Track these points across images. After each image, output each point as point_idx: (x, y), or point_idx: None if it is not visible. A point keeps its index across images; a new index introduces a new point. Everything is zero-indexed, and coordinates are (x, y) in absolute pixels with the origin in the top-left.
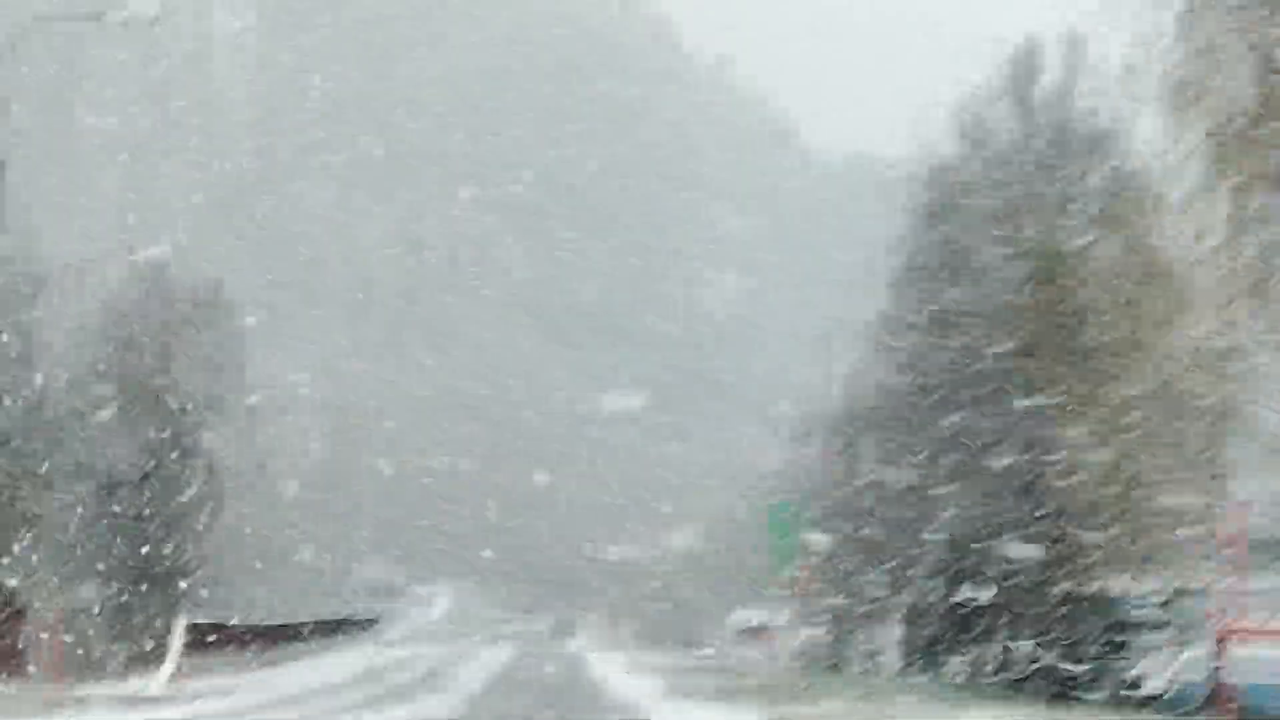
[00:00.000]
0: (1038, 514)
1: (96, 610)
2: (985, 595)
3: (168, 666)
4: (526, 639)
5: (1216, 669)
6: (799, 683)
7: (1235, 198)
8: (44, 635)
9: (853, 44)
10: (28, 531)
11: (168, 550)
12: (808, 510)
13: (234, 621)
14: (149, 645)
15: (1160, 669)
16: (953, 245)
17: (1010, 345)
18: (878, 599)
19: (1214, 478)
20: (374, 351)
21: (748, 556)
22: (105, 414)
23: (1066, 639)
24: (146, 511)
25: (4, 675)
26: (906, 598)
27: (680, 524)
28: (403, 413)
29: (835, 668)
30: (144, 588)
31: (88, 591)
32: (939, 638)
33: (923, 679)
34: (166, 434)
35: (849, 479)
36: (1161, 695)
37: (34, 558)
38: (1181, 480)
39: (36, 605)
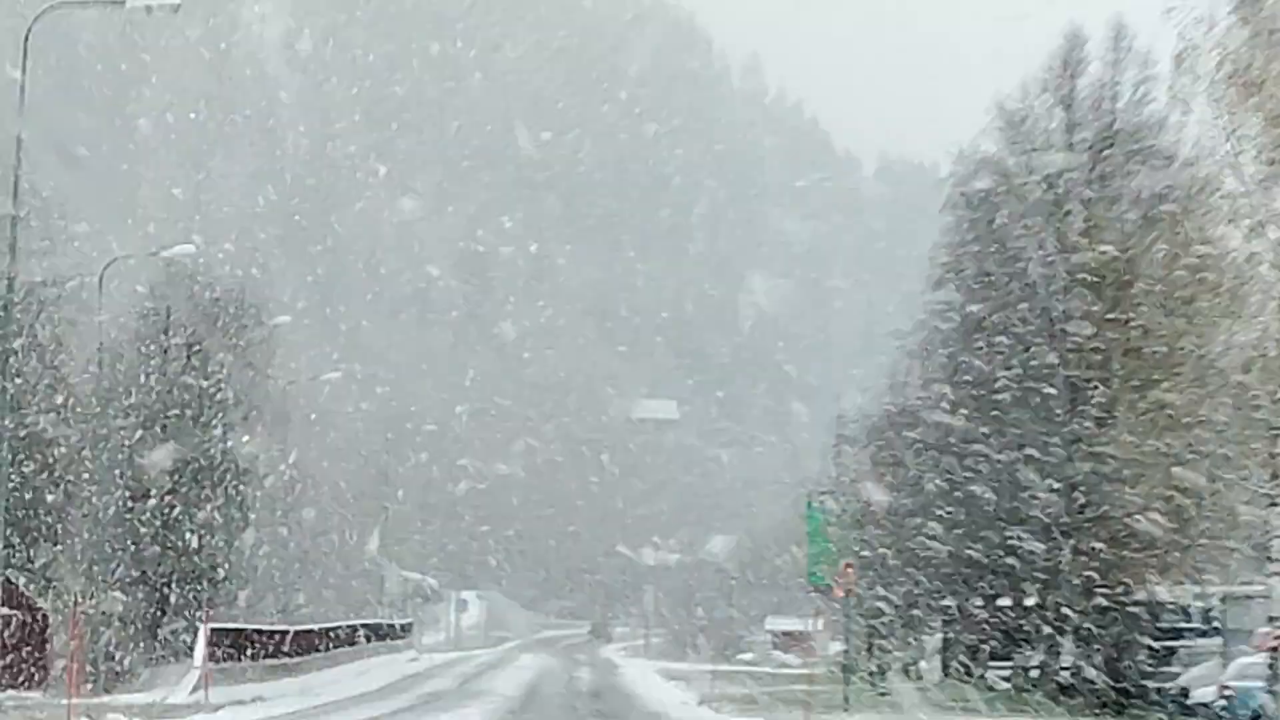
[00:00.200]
0: (1084, 519)
1: (123, 618)
2: (1028, 601)
3: (192, 675)
4: (563, 646)
5: (1272, 679)
6: (837, 691)
7: None
8: (70, 644)
9: (876, 46)
10: (54, 540)
11: (196, 557)
12: (849, 514)
13: (261, 627)
14: (174, 653)
15: (1210, 678)
16: (995, 244)
17: (1057, 346)
18: (918, 604)
19: (1273, 479)
20: (426, 357)
21: (787, 562)
22: (134, 419)
23: (1112, 647)
24: (175, 517)
25: (29, 685)
26: (947, 603)
27: (720, 529)
28: (448, 418)
29: (874, 675)
30: (171, 596)
31: (114, 599)
32: (980, 645)
33: (963, 688)
34: (196, 438)
35: (891, 482)
36: (1211, 705)
37: (61, 566)
38: (1235, 485)
39: (62, 614)
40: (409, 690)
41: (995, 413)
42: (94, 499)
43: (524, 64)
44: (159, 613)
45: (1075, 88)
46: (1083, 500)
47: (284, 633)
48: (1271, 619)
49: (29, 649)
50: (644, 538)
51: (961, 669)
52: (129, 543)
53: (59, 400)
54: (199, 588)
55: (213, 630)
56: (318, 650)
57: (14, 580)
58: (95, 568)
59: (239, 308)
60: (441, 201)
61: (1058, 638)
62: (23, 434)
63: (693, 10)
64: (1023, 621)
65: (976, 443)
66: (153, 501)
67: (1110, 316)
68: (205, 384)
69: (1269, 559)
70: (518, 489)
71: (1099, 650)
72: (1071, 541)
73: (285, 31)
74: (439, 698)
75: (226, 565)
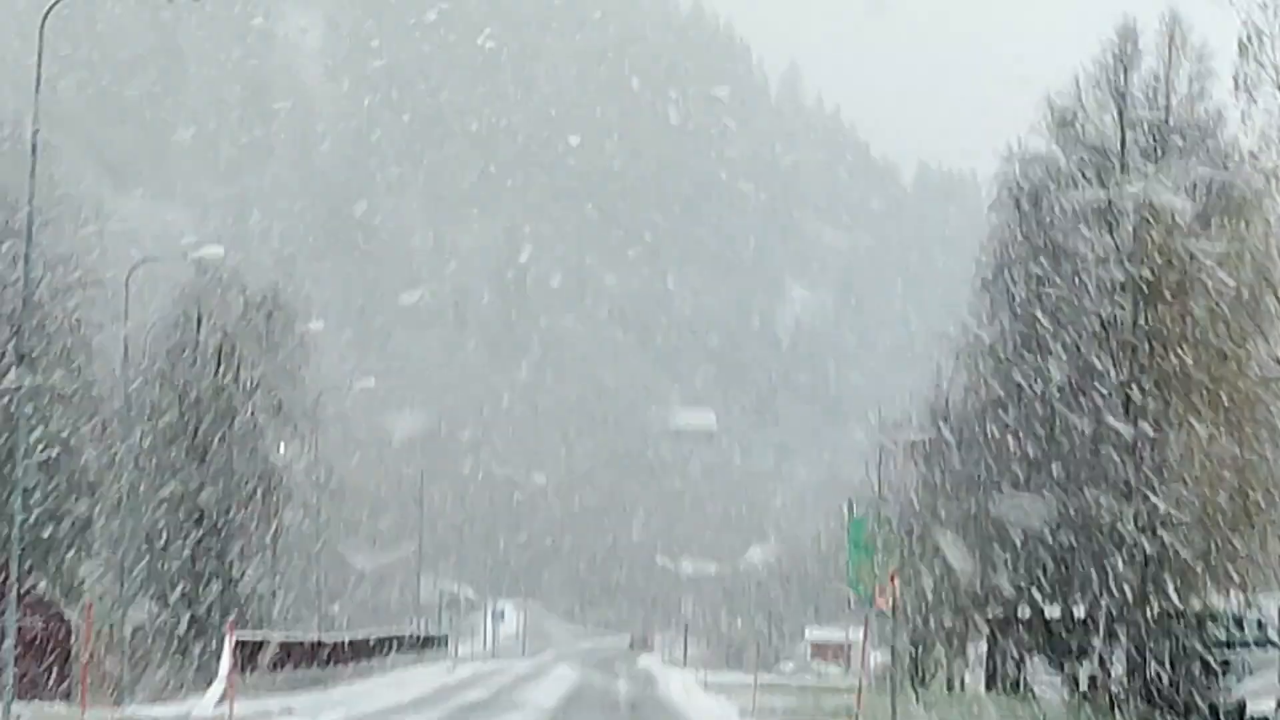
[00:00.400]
0: (1137, 525)
1: (152, 629)
2: (1079, 609)
3: (216, 686)
4: (601, 656)
5: None
6: (880, 702)
7: None
8: (95, 655)
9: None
10: (83, 549)
11: (224, 566)
12: (890, 523)
13: (292, 638)
14: (205, 665)
15: (1268, 690)
16: (1045, 243)
17: (1110, 350)
18: (962, 614)
19: None
20: (463, 366)
21: (827, 572)
22: (163, 423)
23: (1166, 656)
24: (207, 527)
25: (54, 696)
26: (993, 611)
27: (759, 539)
28: (485, 428)
29: (918, 685)
30: (202, 607)
31: (140, 609)
32: (1027, 654)
33: (1010, 700)
34: (228, 445)
35: (935, 491)
36: (1270, 718)
37: (85, 575)
38: None
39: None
40: (442, 702)
41: (1046, 419)
42: (123, 507)
43: (562, 75)
44: (189, 623)
45: (1127, 82)
46: (1136, 508)
47: (316, 643)
48: None
49: (53, 659)
50: (683, 548)
51: (1007, 680)
52: (160, 552)
53: (88, 408)
54: (231, 597)
55: (241, 641)
56: (351, 661)
57: (41, 589)
58: (124, 578)
59: (272, 313)
60: (478, 211)
61: (1109, 648)
62: (51, 442)
63: (731, 20)
64: (1073, 630)
65: (1024, 450)
66: (183, 510)
67: (1168, 318)
68: (237, 390)
69: None
70: (555, 499)
71: (1152, 660)
72: (1123, 550)
73: (322, 43)
74: (473, 710)
75: (259, 576)
